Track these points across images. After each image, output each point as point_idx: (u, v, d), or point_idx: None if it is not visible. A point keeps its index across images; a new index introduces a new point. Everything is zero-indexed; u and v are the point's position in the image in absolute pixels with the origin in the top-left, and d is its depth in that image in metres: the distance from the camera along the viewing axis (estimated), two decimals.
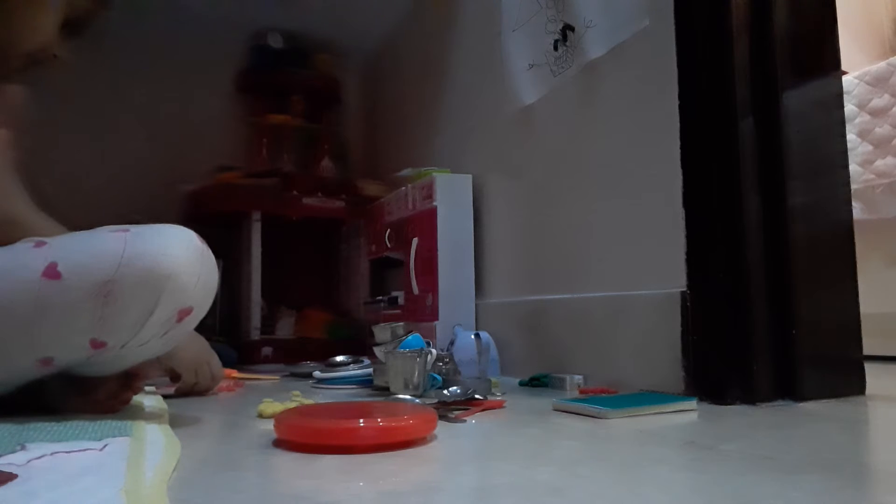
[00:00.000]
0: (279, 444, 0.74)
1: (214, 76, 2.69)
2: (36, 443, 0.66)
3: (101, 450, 0.63)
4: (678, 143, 1.15)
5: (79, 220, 0.91)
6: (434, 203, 1.79)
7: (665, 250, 1.18)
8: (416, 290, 1.85)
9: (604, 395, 1.14)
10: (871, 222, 2.02)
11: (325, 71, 2.79)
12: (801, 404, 1.02)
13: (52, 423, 0.76)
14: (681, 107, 1.15)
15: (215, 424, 0.93)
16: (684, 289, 1.13)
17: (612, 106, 1.36)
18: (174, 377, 1.23)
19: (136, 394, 0.95)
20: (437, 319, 1.73)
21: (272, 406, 0.97)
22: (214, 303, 0.85)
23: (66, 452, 0.62)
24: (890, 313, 1.90)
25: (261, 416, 0.96)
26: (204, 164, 2.42)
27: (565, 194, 1.50)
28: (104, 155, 2.47)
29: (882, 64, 2.09)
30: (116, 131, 2.51)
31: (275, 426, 0.76)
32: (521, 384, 1.38)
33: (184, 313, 0.80)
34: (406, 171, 2.00)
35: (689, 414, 0.95)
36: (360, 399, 1.20)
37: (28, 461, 0.58)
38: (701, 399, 1.03)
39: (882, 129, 2.04)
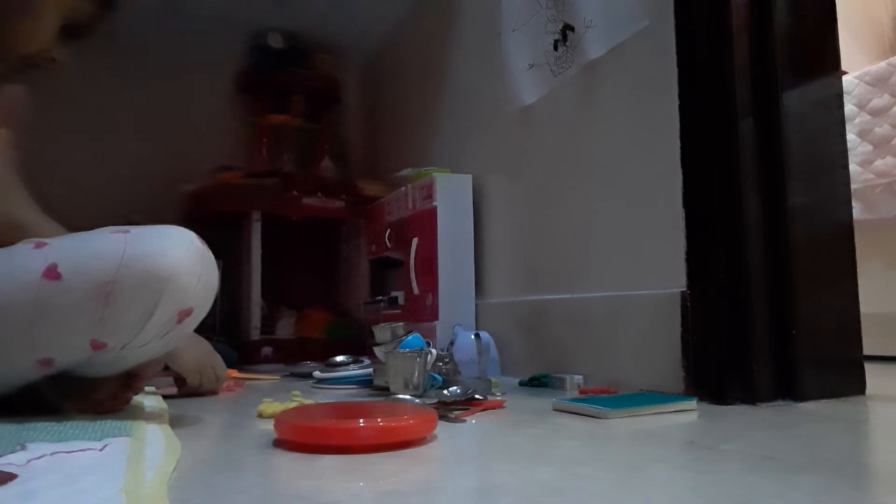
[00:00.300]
0: (279, 444, 0.74)
1: (214, 76, 2.69)
2: (36, 443, 0.66)
3: (101, 450, 0.63)
4: (678, 143, 1.15)
5: (79, 219, 0.91)
6: (434, 203, 1.79)
7: (665, 250, 1.18)
8: (416, 290, 1.85)
9: (604, 395, 1.14)
10: (871, 222, 2.02)
11: (325, 71, 2.79)
12: (801, 404, 1.02)
13: (52, 423, 0.76)
14: (681, 107, 1.15)
15: (215, 424, 0.93)
16: (684, 289, 1.13)
17: (612, 106, 1.36)
18: (179, 381, 1.23)
19: (136, 394, 0.95)
20: (437, 319, 1.73)
21: (272, 406, 0.97)
22: (214, 303, 0.85)
23: (66, 452, 0.62)
24: (890, 313, 1.90)
25: (261, 416, 0.96)
26: (204, 164, 2.42)
27: (565, 194, 1.50)
28: (104, 155, 2.47)
29: (882, 64, 2.09)
30: (116, 131, 2.51)
31: (275, 426, 0.76)
32: (521, 384, 1.38)
33: (184, 314, 0.80)
34: (406, 171, 2.00)
35: (689, 414, 0.95)
36: (360, 399, 1.20)
37: (28, 461, 0.58)
38: (701, 399, 1.03)
39: (882, 129, 2.04)
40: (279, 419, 0.76)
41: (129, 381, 0.89)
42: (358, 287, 2.56)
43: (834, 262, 1.13)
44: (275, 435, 0.76)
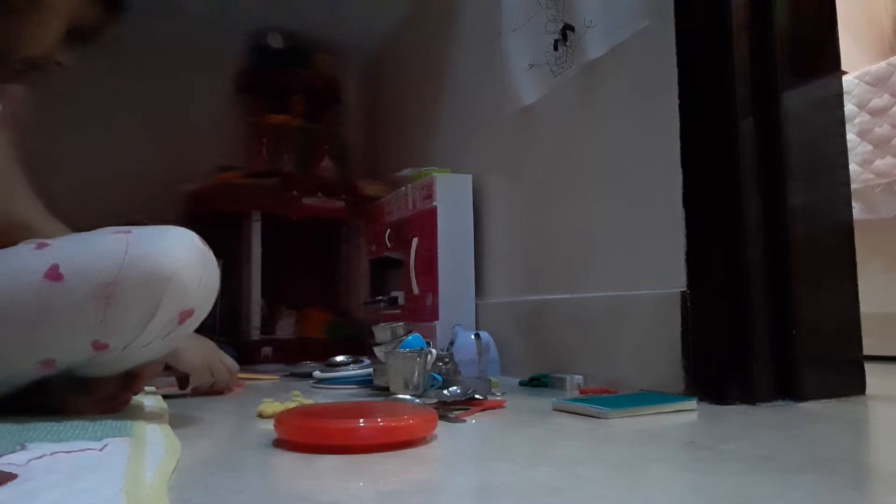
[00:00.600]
0: (279, 444, 0.74)
1: (214, 76, 2.69)
2: (36, 443, 0.66)
3: (101, 450, 0.63)
4: (678, 143, 1.15)
5: (79, 219, 0.91)
6: (434, 203, 1.79)
7: (665, 250, 1.18)
8: (416, 290, 1.85)
9: (604, 395, 1.14)
10: (871, 222, 2.02)
11: (325, 71, 2.79)
12: (801, 404, 1.02)
13: (52, 423, 0.76)
14: (681, 107, 1.15)
15: (215, 424, 0.93)
16: (684, 289, 1.13)
17: (612, 106, 1.36)
18: (182, 380, 1.23)
19: (135, 395, 0.95)
20: (437, 319, 1.73)
21: (272, 406, 0.97)
22: (214, 303, 0.85)
23: (66, 452, 0.62)
24: (890, 313, 1.90)
25: (261, 416, 0.96)
26: (204, 164, 2.42)
27: (565, 194, 1.50)
28: (104, 155, 2.47)
29: (882, 64, 2.09)
30: (116, 131, 2.51)
31: (275, 426, 0.76)
32: (521, 384, 1.38)
33: (185, 315, 0.80)
34: (406, 171, 2.00)
35: (689, 414, 0.95)
36: (360, 399, 1.20)
37: (28, 461, 0.58)
38: (701, 399, 1.03)
39: (882, 129, 2.04)
40: (279, 419, 0.76)
41: (130, 381, 0.89)
42: (358, 287, 2.56)
43: (834, 262, 1.13)
44: (275, 435, 0.76)
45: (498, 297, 1.75)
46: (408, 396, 1.09)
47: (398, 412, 0.78)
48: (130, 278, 0.76)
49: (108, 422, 0.79)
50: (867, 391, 1.12)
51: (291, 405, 0.97)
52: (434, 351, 1.16)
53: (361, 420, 0.72)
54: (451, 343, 1.45)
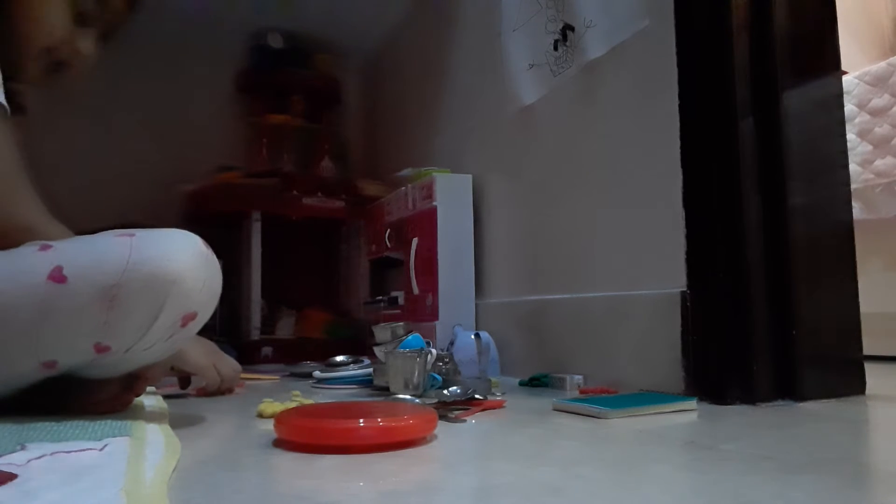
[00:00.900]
0: (279, 444, 0.74)
1: (214, 76, 2.69)
2: (36, 443, 0.66)
3: (101, 450, 0.63)
4: (678, 143, 1.15)
5: (79, 219, 0.91)
6: (434, 203, 1.79)
7: (665, 250, 1.18)
8: (416, 290, 1.85)
9: (604, 395, 1.14)
10: (871, 222, 2.02)
11: (325, 71, 2.79)
12: (801, 404, 1.02)
13: (52, 423, 0.76)
14: (681, 107, 1.15)
15: (215, 424, 0.93)
16: (684, 289, 1.13)
17: (611, 106, 1.36)
18: (183, 381, 1.23)
19: (137, 396, 0.95)
20: (437, 319, 1.73)
21: (272, 406, 0.97)
22: None
23: (66, 452, 0.62)
24: (890, 313, 1.90)
25: (261, 416, 0.96)
26: (204, 164, 2.42)
27: (565, 194, 1.50)
28: (104, 155, 2.47)
29: (882, 64, 2.09)
30: (116, 131, 2.51)
31: (275, 426, 0.76)
32: (521, 384, 1.38)
33: (188, 318, 0.80)
34: (406, 171, 2.00)
35: (689, 414, 0.95)
36: (360, 399, 1.20)
37: (28, 461, 0.58)
38: (701, 399, 1.03)
39: (882, 129, 2.04)
40: (279, 419, 0.76)
41: (131, 382, 0.89)
42: (358, 287, 2.56)
43: (834, 262, 1.13)
44: (275, 435, 0.76)
45: (498, 297, 1.75)
46: (408, 396, 1.09)
47: (398, 412, 0.77)
48: (134, 281, 0.75)
49: (108, 422, 0.78)
50: (867, 391, 1.11)
51: (291, 405, 0.97)
52: (434, 351, 1.16)
53: (361, 420, 0.72)
54: (451, 343, 1.45)
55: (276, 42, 2.67)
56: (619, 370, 1.26)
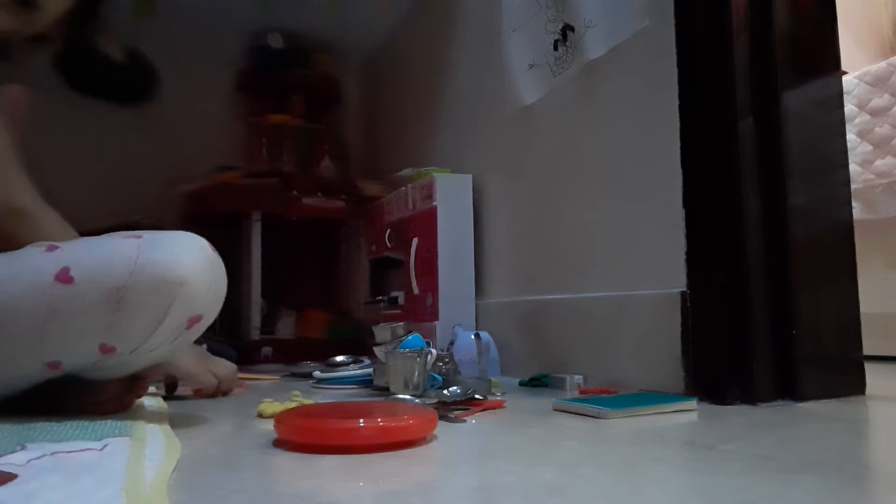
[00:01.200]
0: (279, 444, 0.74)
1: (214, 76, 2.69)
2: (36, 443, 0.66)
3: (101, 450, 0.63)
4: (678, 143, 1.15)
5: (79, 219, 0.91)
6: (434, 203, 1.79)
7: (665, 250, 1.18)
8: (416, 290, 1.85)
9: (604, 395, 1.14)
10: (871, 222, 2.02)
11: (325, 71, 2.79)
12: (801, 404, 1.02)
13: (52, 423, 0.76)
14: (681, 107, 1.15)
15: (215, 424, 0.93)
16: (684, 289, 1.13)
17: (612, 106, 1.36)
18: (171, 386, 1.22)
19: (138, 397, 0.95)
20: (437, 319, 1.73)
21: (272, 406, 0.97)
22: None
23: (66, 452, 0.62)
24: (890, 313, 1.90)
25: (261, 416, 0.96)
26: (204, 164, 2.42)
27: (565, 194, 1.50)
28: (104, 155, 2.47)
29: (882, 64, 2.09)
30: (116, 131, 2.51)
31: (275, 426, 0.76)
32: (521, 384, 1.38)
33: (193, 321, 0.80)
34: (406, 171, 2.00)
35: (689, 414, 0.95)
36: (360, 399, 1.20)
37: (28, 461, 0.58)
38: (701, 399, 1.03)
39: (882, 129, 2.04)
40: (279, 419, 0.76)
41: (134, 384, 0.89)
42: (358, 287, 2.55)
43: (834, 262, 1.13)
44: (275, 435, 0.76)
45: (498, 297, 1.75)
46: (408, 396, 1.09)
47: (398, 412, 0.78)
48: (141, 283, 0.76)
49: (108, 422, 0.79)
50: (867, 391, 1.11)
51: (291, 405, 0.97)
52: (434, 351, 1.16)
53: (361, 420, 0.72)
54: (451, 343, 1.45)
55: (276, 42, 2.67)
56: (619, 370, 1.26)
